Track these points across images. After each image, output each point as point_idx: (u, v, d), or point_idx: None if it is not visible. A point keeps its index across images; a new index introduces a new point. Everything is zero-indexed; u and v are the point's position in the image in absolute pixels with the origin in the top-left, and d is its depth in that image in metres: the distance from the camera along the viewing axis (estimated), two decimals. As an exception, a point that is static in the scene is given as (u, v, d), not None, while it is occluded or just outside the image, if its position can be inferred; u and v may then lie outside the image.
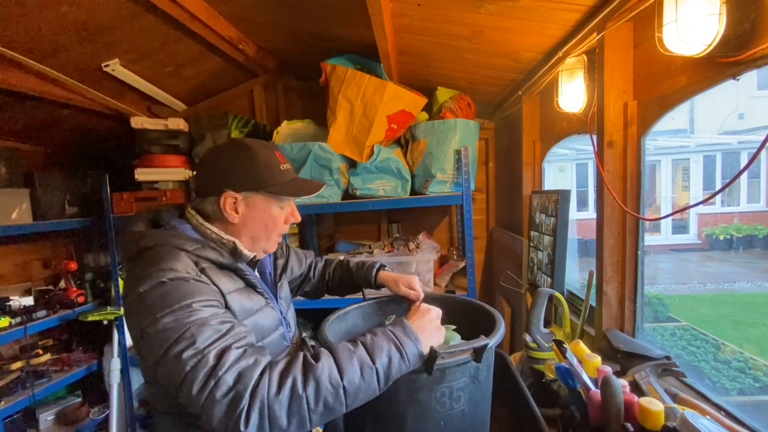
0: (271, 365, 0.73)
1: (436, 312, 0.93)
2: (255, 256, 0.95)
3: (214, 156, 0.93)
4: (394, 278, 1.20)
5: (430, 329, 0.86)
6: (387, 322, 0.99)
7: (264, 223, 0.93)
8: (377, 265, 1.25)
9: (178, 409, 0.84)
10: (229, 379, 0.69)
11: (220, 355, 0.71)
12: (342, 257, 1.40)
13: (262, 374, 0.71)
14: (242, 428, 0.67)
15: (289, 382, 0.70)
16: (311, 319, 2.43)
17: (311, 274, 1.32)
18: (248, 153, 0.90)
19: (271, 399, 0.68)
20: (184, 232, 0.89)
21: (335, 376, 0.72)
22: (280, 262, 1.14)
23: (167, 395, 0.86)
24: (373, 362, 0.75)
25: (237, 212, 0.90)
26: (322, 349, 0.77)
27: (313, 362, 0.73)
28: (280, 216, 0.95)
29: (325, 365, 0.72)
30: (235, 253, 0.91)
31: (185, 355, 0.70)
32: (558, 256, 1.72)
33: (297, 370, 0.72)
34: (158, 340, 0.73)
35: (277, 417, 0.68)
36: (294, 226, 2.56)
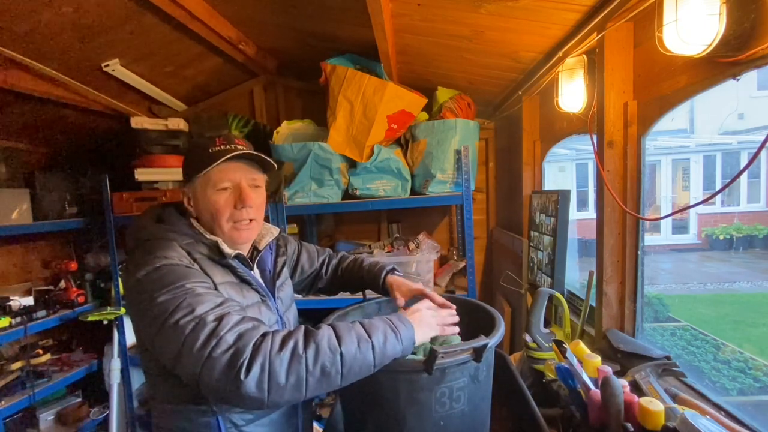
0: (273, 332, 0.76)
1: (426, 310, 0.93)
2: (240, 252, 0.95)
3: None
4: (399, 284, 1.13)
5: (422, 321, 0.89)
6: None
7: (209, 211, 0.93)
8: (388, 268, 1.20)
9: (175, 400, 0.90)
10: (229, 338, 0.72)
11: (220, 319, 0.74)
12: (357, 255, 1.37)
13: (264, 335, 0.74)
14: (243, 377, 0.69)
15: (291, 343, 0.73)
16: (311, 319, 2.43)
17: (323, 270, 1.30)
18: (187, 149, 0.96)
19: (273, 355, 0.71)
20: (181, 228, 0.93)
21: (334, 342, 0.75)
22: (281, 260, 1.13)
23: (165, 387, 0.90)
24: (370, 337, 0.78)
25: (191, 205, 0.95)
26: (322, 324, 0.81)
27: (314, 330, 0.77)
28: (221, 200, 0.92)
29: (325, 333, 0.76)
30: (219, 251, 0.92)
31: (183, 321, 0.74)
32: (558, 256, 1.72)
33: (299, 334, 0.76)
34: (156, 315, 0.76)
35: (276, 373, 0.70)
36: (294, 226, 2.57)
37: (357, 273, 1.26)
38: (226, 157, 0.89)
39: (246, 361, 0.69)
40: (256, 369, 0.69)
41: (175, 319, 0.74)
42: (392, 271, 1.21)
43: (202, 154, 0.91)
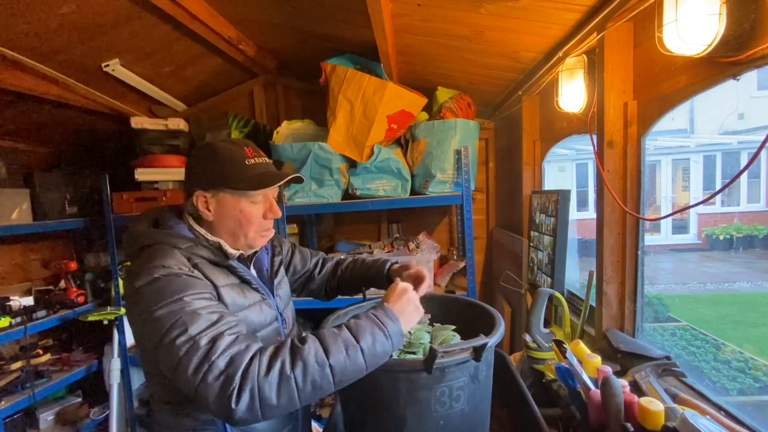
0: (261, 350, 0.76)
1: (412, 292, 0.93)
2: (242, 254, 0.97)
3: (188, 159, 0.99)
4: (404, 268, 1.17)
5: (408, 310, 0.88)
6: None
7: (237, 220, 0.93)
8: (391, 261, 1.24)
9: (177, 399, 0.90)
10: (221, 363, 0.72)
11: (213, 342, 0.74)
12: (356, 256, 1.38)
13: (252, 358, 0.74)
14: (233, 406, 0.70)
15: (277, 365, 0.73)
16: (311, 319, 2.43)
17: (316, 271, 1.31)
18: (212, 152, 0.93)
19: (261, 381, 0.72)
20: (179, 232, 0.92)
21: (321, 356, 0.75)
22: (278, 259, 1.14)
23: (166, 386, 0.91)
24: (357, 341, 0.77)
25: (210, 210, 0.93)
26: (308, 334, 0.80)
27: (300, 345, 0.77)
28: (254, 211, 0.95)
29: (311, 347, 0.76)
30: (222, 252, 0.94)
31: (178, 341, 0.74)
32: (558, 256, 1.72)
33: (285, 353, 0.75)
34: (154, 330, 0.77)
35: (266, 397, 0.72)
36: (294, 226, 2.57)
37: (359, 270, 1.27)
38: (280, 183, 0.93)
39: (236, 390, 0.70)
40: (245, 396, 0.70)
41: (170, 338, 0.75)
42: (395, 263, 1.23)
43: (241, 168, 0.91)
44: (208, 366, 0.72)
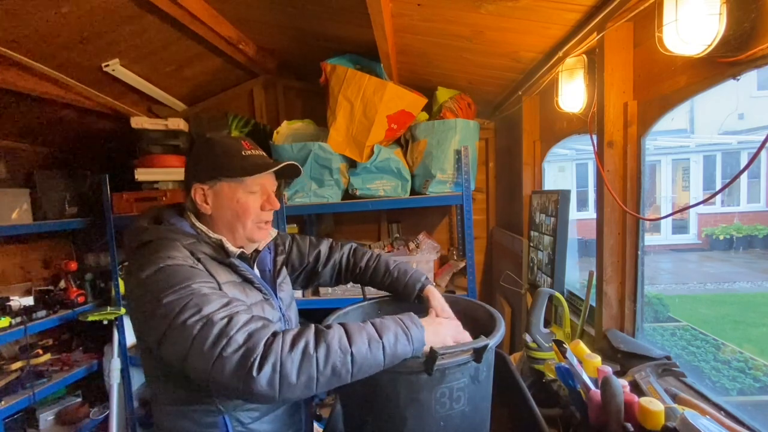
0: (284, 331, 0.76)
1: (453, 321, 0.95)
2: (243, 251, 0.96)
3: (187, 156, 1.00)
4: (443, 305, 1.08)
5: (437, 328, 0.88)
6: None
7: (234, 211, 0.94)
8: (423, 278, 1.15)
9: (178, 401, 0.89)
10: (239, 338, 0.72)
11: (229, 318, 0.74)
12: (378, 251, 1.26)
13: (274, 335, 0.74)
14: (255, 375, 0.69)
15: (301, 343, 0.73)
16: (311, 319, 2.43)
17: (319, 266, 1.23)
18: (208, 144, 0.94)
19: (284, 356, 0.71)
20: (181, 228, 0.93)
21: (345, 343, 0.75)
22: (281, 258, 1.14)
23: (166, 388, 0.90)
24: (380, 337, 0.78)
25: (208, 203, 0.94)
26: (334, 322, 0.81)
27: (325, 329, 0.77)
28: (251, 202, 0.95)
29: (336, 333, 0.76)
30: (223, 250, 0.93)
31: (190, 321, 0.74)
32: (558, 256, 1.72)
33: (309, 334, 0.76)
34: (162, 315, 0.76)
35: (288, 372, 0.71)
36: (294, 226, 2.58)
37: (383, 278, 1.19)
38: (273, 169, 0.94)
39: (257, 360, 0.70)
40: (267, 368, 0.70)
41: (182, 319, 0.74)
42: (428, 282, 1.15)
43: (237, 157, 0.92)
44: (227, 340, 0.71)
